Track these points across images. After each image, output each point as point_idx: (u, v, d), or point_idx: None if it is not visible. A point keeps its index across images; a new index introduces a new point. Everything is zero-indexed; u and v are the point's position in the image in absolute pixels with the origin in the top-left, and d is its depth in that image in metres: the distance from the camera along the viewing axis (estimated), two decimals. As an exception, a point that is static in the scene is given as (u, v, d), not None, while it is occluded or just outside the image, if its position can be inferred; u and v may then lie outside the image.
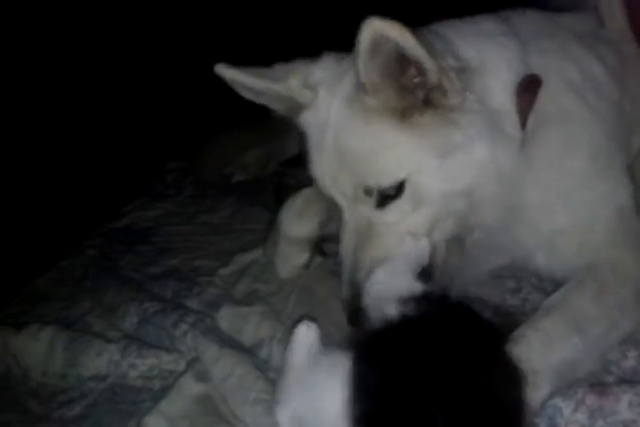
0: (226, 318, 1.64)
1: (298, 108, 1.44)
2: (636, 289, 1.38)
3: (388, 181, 1.31)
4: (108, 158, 2.51)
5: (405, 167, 1.31)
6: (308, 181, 2.34)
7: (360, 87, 1.26)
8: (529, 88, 1.39)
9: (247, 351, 1.51)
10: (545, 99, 1.41)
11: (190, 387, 1.41)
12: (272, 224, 2.00)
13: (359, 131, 1.31)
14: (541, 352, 1.21)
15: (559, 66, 1.48)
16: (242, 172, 2.55)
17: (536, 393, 1.19)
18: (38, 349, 1.56)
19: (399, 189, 1.32)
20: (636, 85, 1.64)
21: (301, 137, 1.47)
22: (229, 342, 1.53)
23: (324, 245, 1.85)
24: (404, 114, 1.28)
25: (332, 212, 1.77)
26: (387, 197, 1.33)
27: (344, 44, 1.35)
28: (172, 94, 2.83)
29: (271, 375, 1.42)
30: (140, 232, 2.23)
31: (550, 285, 1.51)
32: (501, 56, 1.40)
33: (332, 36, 1.60)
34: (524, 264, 1.57)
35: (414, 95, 1.27)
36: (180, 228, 2.24)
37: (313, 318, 1.21)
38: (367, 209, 1.36)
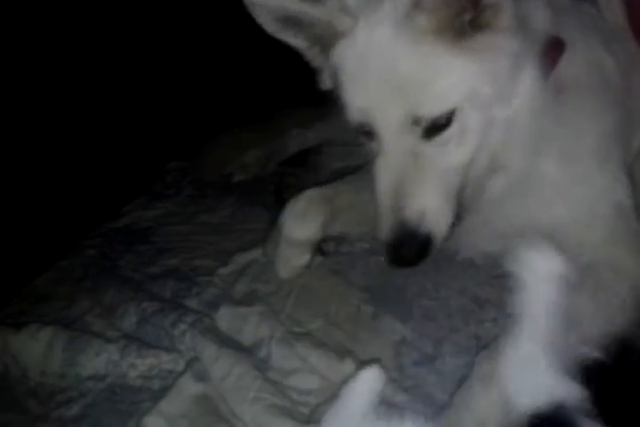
0: (225, 318, 1.64)
1: (333, 36, 1.37)
2: (633, 287, 1.39)
3: (440, 109, 1.29)
4: (107, 158, 2.51)
5: (459, 94, 1.28)
6: (309, 181, 2.36)
7: (414, 6, 1.24)
8: (554, 48, 1.39)
9: (246, 351, 1.51)
10: (563, 67, 1.42)
11: (189, 387, 1.41)
12: (272, 224, 1.99)
13: (412, 55, 1.27)
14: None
15: (583, 41, 1.50)
16: (242, 171, 2.55)
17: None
18: (37, 348, 1.56)
19: (449, 117, 1.30)
20: (638, 83, 1.64)
21: (335, 69, 1.39)
22: (228, 342, 1.53)
23: (325, 244, 1.85)
24: (455, 36, 1.25)
25: (335, 212, 1.78)
26: (435, 126, 1.30)
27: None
28: (172, 94, 2.82)
29: (270, 375, 1.42)
30: (139, 232, 2.23)
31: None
32: (541, 13, 1.40)
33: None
34: None
35: (468, 14, 1.25)
36: (179, 227, 2.24)
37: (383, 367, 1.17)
38: (412, 140, 1.32)
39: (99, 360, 1.53)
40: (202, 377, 1.43)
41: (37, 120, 2.43)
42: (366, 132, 1.38)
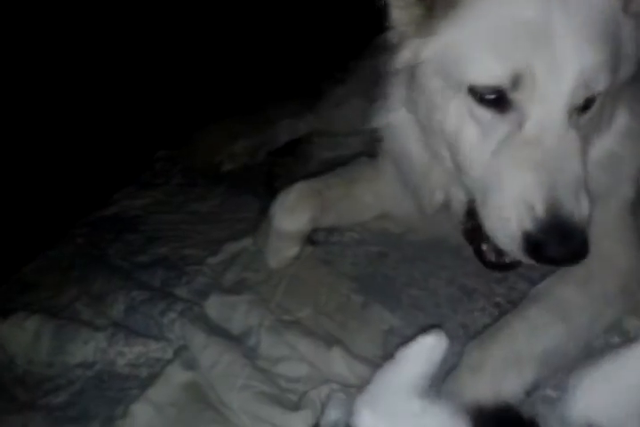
0: (214, 307, 1.64)
1: None
2: (622, 280, 1.40)
3: (604, 83, 1.14)
4: (96, 146, 2.49)
5: (614, 75, 1.15)
6: (298, 171, 2.36)
7: None
8: None
9: (235, 339, 1.51)
10: None
11: (178, 375, 1.41)
12: (262, 213, 1.99)
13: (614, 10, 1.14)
14: (526, 340, 1.22)
15: None
16: (231, 161, 2.53)
17: (520, 380, 1.20)
18: (24, 337, 1.56)
19: (591, 101, 1.17)
20: None
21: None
22: (217, 331, 1.53)
23: (315, 234, 1.85)
24: None
25: (326, 205, 1.77)
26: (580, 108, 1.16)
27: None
28: (162, 82, 2.81)
29: (259, 363, 1.42)
30: (128, 221, 2.21)
31: (536, 274, 1.52)
32: None
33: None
34: None
35: None
36: (168, 216, 2.22)
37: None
38: (559, 117, 1.14)
39: (87, 348, 1.53)
40: (190, 365, 1.43)
41: (27, 109, 2.41)
42: (495, 101, 1.17)
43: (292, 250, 1.77)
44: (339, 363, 1.38)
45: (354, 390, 1.26)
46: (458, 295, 1.59)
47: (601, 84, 1.14)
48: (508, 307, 1.46)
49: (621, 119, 1.33)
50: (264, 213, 1.86)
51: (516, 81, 1.12)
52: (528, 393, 1.21)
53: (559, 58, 1.09)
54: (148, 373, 1.47)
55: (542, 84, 1.11)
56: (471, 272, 1.66)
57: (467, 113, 1.20)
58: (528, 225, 1.12)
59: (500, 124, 1.18)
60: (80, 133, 2.49)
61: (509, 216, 1.14)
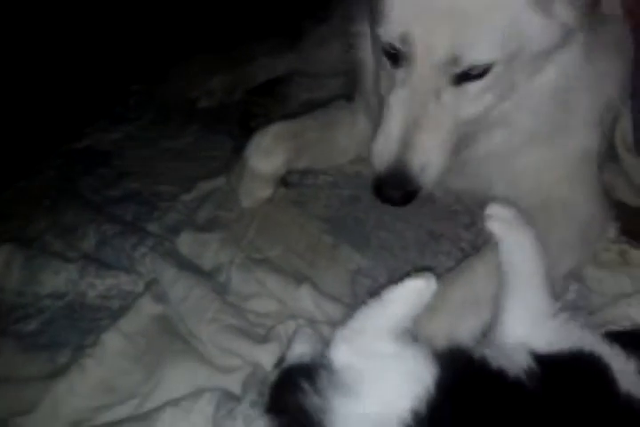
0: (186, 243, 1.65)
1: None
2: (582, 228, 1.44)
3: (487, 57, 1.23)
4: (70, 78, 2.42)
5: (510, 48, 1.23)
6: (276, 111, 2.34)
7: None
8: None
9: (205, 275, 1.53)
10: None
11: (148, 307, 1.43)
12: (236, 152, 1.99)
13: None
14: (486, 282, 1.27)
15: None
16: (207, 97, 2.50)
17: (477, 322, 1.25)
18: (-5, 266, 1.55)
19: (486, 69, 1.25)
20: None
21: None
22: (188, 266, 1.55)
23: (289, 176, 1.85)
24: None
25: (301, 148, 1.77)
26: (467, 74, 1.25)
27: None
28: (140, 14, 2.71)
29: (229, 298, 1.45)
30: (100, 155, 2.18)
31: (503, 221, 1.56)
32: None
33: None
34: (480, 193, 1.58)
35: None
36: (141, 152, 2.19)
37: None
38: (442, 80, 1.26)
39: (58, 279, 1.54)
40: (161, 298, 1.45)
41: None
42: (394, 55, 1.30)
43: (265, 191, 1.78)
44: (306, 300, 1.41)
45: (320, 325, 1.31)
46: (425, 239, 1.63)
47: (482, 59, 1.23)
48: (472, 252, 1.49)
49: (569, 59, 1.36)
50: (238, 152, 1.85)
51: (404, 42, 1.24)
52: (484, 334, 1.27)
53: (433, 30, 1.21)
54: (119, 304, 1.48)
55: (418, 50, 1.24)
56: (440, 217, 1.70)
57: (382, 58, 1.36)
58: (377, 167, 1.33)
59: (393, 74, 1.32)
60: (55, 64, 2.42)
61: (375, 153, 1.34)
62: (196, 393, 1.18)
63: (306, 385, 0.91)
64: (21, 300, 1.52)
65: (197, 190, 1.89)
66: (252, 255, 1.59)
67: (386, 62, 1.34)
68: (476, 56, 1.22)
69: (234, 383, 1.23)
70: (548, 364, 0.89)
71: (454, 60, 1.22)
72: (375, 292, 1.04)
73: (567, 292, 1.42)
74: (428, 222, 1.68)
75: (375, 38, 1.36)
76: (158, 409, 1.16)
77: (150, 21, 2.72)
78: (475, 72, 1.25)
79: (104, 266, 1.57)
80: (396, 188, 1.33)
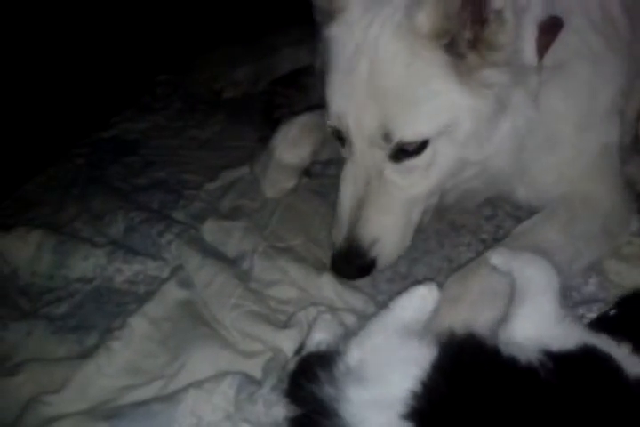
0: (210, 231, 1.68)
1: (329, 13, 1.32)
2: (604, 222, 1.44)
3: (414, 135, 1.25)
4: (98, 68, 2.47)
5: (439, 125, 1.24)
6: (298, 102, 2.35)
7: (416, 5, 1.16)
8: (550, 30, 1.31)
9: (229, 262, 1.56)
10: (569, 35, 1.36)
11: (173, 292, 1.46)
12: (260, 142, 2.01)
13: (406, 65, 1.21)
14: (505, 276, 1.27)
15: (582, 5, 1.43)
16: (232, 88, 2.52)
17: (496, 313, 1.26)
18: (26, 250, 1.60)
19: (421, 147, 1.27)
20: None
21: (322, 48, 1.36)
22: (212, 253, 1.58)
23: (312, 166, 1.87)
24: (453, 58, 1.20)
25: (328, 139, 1.78)
26: (404, 151, 1.28)
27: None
28: (166, 5, 2.74)
29: (251, 285, 1.48)
30: (127, 144, 2.23)
31: (525, 213, 1.56)
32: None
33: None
34: (504, 196, 1.60)
35: (468, 32, 1.18)
36: (167, 141, 2.24)
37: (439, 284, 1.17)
38: (380, 157, 1.30)
39: (86, 264, 1.58)
40: (186, 284, 1.48)
41: (29, 31, 2.36)
42: (340, 137, 1.37)
43: (289, 182, 1.80)
44: (327, 288, 1.44)
45: (340, 313, 1.34)
46: (446, 230, 1.64)
47: (410, 134, 1.25)
48: (493, 244, 1.50)
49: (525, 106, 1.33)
50: (262, 141, 1.87)
51: (340, 122, 1.31)
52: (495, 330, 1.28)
53: (361, 109, 1.26)
54: (145, 290, 1.53)
55: (352, 129, 1.30)
56: (461, 209, 1.70)
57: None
58: (333, 243, 1.40)
59: (343, 153, 1.39)
60: (84, 55, 2.46)
61: (332, 230, 1.42)
62: (219, 376, 1.21)
63: (322, 374, 0.95)
64: (52, 283, 1.57)
65: (222, 179, 1.93)
66: (275, 244, 1.62)
67: (337, 145, 1.41)
68: (403, 132, 1.24)
69: (255, 368, 1.26)
70: (557, 356, 0.93)
71: (385, 137, 1.25)
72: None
73: (587, 284, 1.42)
74: (450, 214, 1.69)
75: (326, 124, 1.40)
76: (182, 391, 1.20)
77: (177, 13, 2.75)
78: (411, 148, 1.27)
79: (131, 252, 1.60)
80: (347, 262, 1.37)
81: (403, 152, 1.28)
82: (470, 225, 1.65)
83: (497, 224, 1.63)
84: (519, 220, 1.55)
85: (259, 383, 1.20)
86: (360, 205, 1.34)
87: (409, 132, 1.25)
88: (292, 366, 1.09)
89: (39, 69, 2.33)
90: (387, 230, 1.35)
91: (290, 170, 1.79)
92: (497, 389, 0.88)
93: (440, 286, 1.31)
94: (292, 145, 1.75)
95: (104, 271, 1.57)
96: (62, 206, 1.86)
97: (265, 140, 1.86)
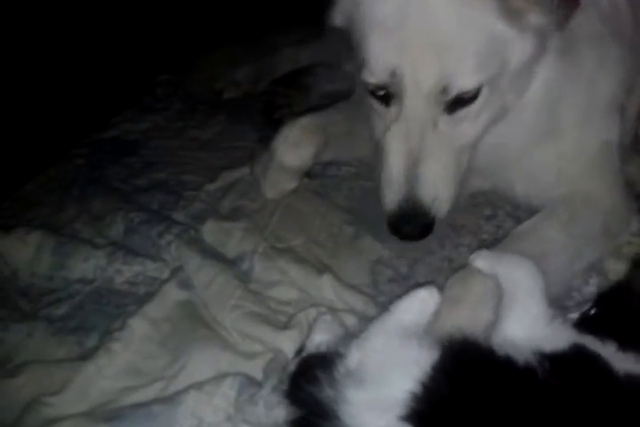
0: (210, 232, 1.68)
1: None
2: (605, 222, 1.43)
3: (474, 82, 1.25)
4: (98, 68, 2.47)
5: (495, 68, 1.26)
6: (299, 102, 2.35)
7: None
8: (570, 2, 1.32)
9: (229, 263, 1.56)
10: (581, 18, 1.37)
11: (173, 293, 1.46)
12: (260, 143, 2.01)
13: (461, 15, 1.21)
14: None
15: None
16: (232, 88, 2.52)
17: (496, 314, 1.26)
18: (26, 251, 1.60)
19: (476, 93, 1.27)
20: None
21: (356, 8, 1.31)
22: (212, 254, 1.58)
23: (312, 167, 1.87)
24: (505, 5, 1.21)
25: (328, 141, 1.78)
26: (459, 100, 1.27)
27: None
28: (166, 5, 2.74)
29: (251, 286, 1.48)
30: (127, 144, 2.23)
31: (525, 213, 1.56)
32: None
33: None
34: (502, 191, 1.60)
35: None
36: (168, 142, 2.23)
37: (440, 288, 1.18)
38: (435, 110, 1.28)
39: (86, 265, 1.58)
40: (186, 285, 1.48)
41: (29, 30, 2.36)
42: (383, 96, 1.32)
43: (290, 183, 1.80)
44: (327, 289, 1.44)
45: (340, 314, 1.33)
46: (446, 230, 1.63)
47: (469, 83, 1.25)
48: (493, 244, 1.50)
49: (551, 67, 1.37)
50: (262, 142, 1.87)
51: (392, 78, 1.26)
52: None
53: (418, 63, 1.23)
54: (145, 291, 1.52)
55: (408, 85, 1.26)
56: (461, 209, 1.70)
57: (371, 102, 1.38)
58: (389, 206, 1.34)
59: (385, 114, 1.35)
60: (84, 55, 2.46)
61: (384, 193, 1.36)
62: (219, 378, 1.21)
63: (322, 376, 0.95)
64: (52, 285, 1.56)
65: (222, 180, 1.92)
66: (275, 244, 1.62)
67: (376, 105, 1.36)
68: (463, 82, 1.24)
69: (255, 369, 1.26)
70: (551, 357, 0.93)
71: (444, 89, 1.24)
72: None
73: (587, 284, 1.42)
74: (451, 214, 1.69)
75: (361, 84, 1.37)
76: (182, 392, 1.19)
77: (177, 12, 2.74)
78: (467, 97, 1.27)
79: (131, 253, 1.60)
80: (411, 223, 1.34)
81: (458, 102, 1.28)
82: (470, 225, 1.65)
83: (497, 224, 1.63)
84: (519, 220, 1.55)
85: (259, 385, 1.20)
86: (415, 162, 1.30)
87: (468, 81, 1.25)
88: (292, 367, 1.09)
89: (39, 69, 2.33)
90: (446, 186, 1.34)
91: (291, 172, 1.78)
92: (496, 390, 0.88)
93: (440, 286, 1.32)
94: (293, 147, 1.74)
95: (104, 272, 1.57)
96: (62, 207, 1.86)
97: (265, 140, 1.86)
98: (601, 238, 1.44)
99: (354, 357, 0.99)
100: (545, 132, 1.47)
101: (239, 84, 2.53)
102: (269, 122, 2.27)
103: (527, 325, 1.04)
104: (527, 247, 1.33)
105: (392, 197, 1.34)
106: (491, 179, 1.58)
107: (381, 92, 1.32)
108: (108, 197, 1.86)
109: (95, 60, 2.48)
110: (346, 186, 1.86)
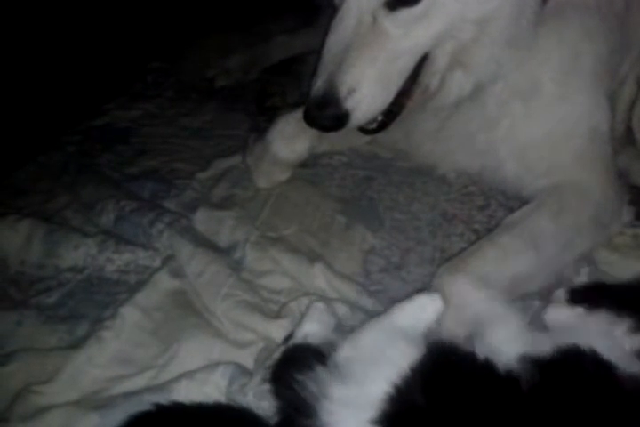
0: (202, 220, 1.67)
1: None
2: (596, 211, 1.44)
3: None
4: (89, 55, 2.44)
5: None
6: (291, 90, 2.34)
7: None
8: None
9: (221, 252, 1.56)
10: None
11: (165, 282, 1.46)
12: (252, 131, 2.00)
13: None
14: (496, 265, 1.27)
15: None
16: (224, 76, 2.50)
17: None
18: (16, 239, 1.58)
19: None
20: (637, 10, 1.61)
21: None
22: (204, 243, 1.57)
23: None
24: None
25: (323, 134, 1.76)
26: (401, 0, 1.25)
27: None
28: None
29: (243, 275, 1.48)
30: (119, 132, 2.21)
31: (517, 203, 1.57)
32: None
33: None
34: (491, 173, 1.59)
35: None
36: (159, 129, 2.21)
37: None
38: (375, 4, 1.26)
39: (77, 253, 1.56)
40: (177, 273, 1.48)
41: (20, 18, 2.33)
42: None
43: (283, 175, 1.79)
44: (319, 278, 1.44)
45: (332, 303, 1.33)
46: (438, 220, 1.64)
47: None
48: (485, 234, 1.50)
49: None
50: (254, 130, 1.85)
51: None
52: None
53: None
54: (136, 279, 1.51)
55: None
56: (454, 199, 1.71)
57: None
58: (310, 93, 1.33)
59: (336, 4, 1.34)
60: (75, 42, 2.43)
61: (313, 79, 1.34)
62: (211, 366, 1.21)
63: (304, 368, 0.95)
64: (42, 273, 1.55)
65: (214, 168, 1.91)
66: (267, 233, 1.61)
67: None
68: None
69: (247, 358, 1.26)
70: (539, 361, 0.92)
71: None
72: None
73: (578, 274, 1.43)
74: (442, 203, 1.69)
75: None
76: (174, 381, 1.19)
77: (168, 1, 2.72)
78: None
79: (122, 241, 1.59)
80: (320, 108, 1.32)
81: (399, 1, 1.26)
82: (463, 215, 1.65)
83: (489, 214, 1.63)
84: (511, 210, 1.55)
85: (250, 374, 1.20)
86: (345, 52, 1.29)
87: None
88: (278, 355, 1.09)
89: (29, 57, 2.31)
90: (367, 81, 1.30)
91: (286, 164, 1.78)
92: (472, 396, 0.87)
93: (433, 274, 1.33)
94: (289, 140, 1.73)
95: (95, 261, 1.55)
96: (53, 195, 1.84)
97: (258, 129, 1.84)
98: (592, 229, 1.44)
99: (343, 351, 0.99)
100: (526, 91, 1.45)
101: (231, 72, 2.51)
102: (262, 110, 2.26)
103: (510, 332, 1.03)
104: (517, 236, 1.33)
105: (315, 81, 1.33)
106: (479, 159, 1.57)
107: None
108: (99, 185, 1.84)
109: (86, 47, 2.45)
110: (338, 175, 1.86)
